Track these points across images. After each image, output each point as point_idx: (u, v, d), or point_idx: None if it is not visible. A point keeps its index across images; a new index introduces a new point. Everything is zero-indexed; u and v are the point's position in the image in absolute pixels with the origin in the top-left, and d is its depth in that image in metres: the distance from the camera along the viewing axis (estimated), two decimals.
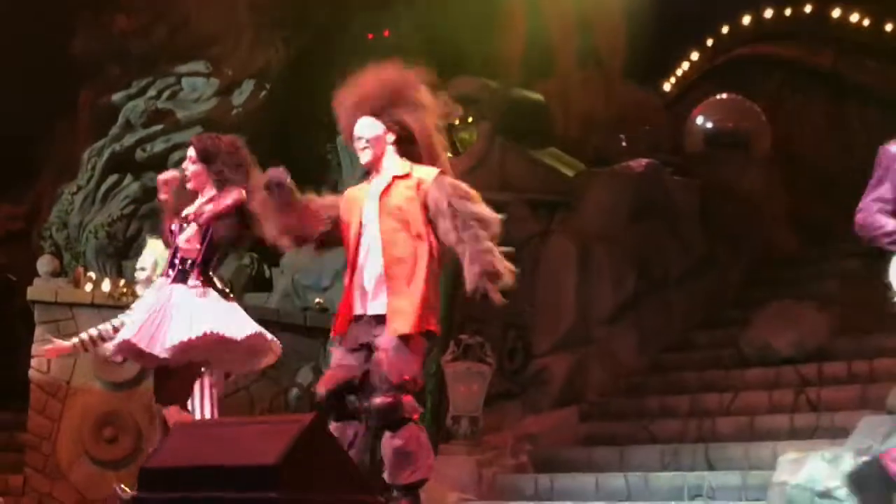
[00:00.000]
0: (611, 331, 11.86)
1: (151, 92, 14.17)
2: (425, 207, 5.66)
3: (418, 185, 5.68)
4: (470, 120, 12.68)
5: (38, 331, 11.94)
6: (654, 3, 14.43)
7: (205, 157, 6.74)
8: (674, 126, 14.94)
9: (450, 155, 12.39)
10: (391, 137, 5.78)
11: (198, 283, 6.57)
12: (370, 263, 5.71)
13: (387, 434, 5.57)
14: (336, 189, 14.75)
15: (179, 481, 4.72)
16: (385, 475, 5.62)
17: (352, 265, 5.79)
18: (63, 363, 11.74)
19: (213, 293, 6.59)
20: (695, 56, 17.06)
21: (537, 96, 13.65)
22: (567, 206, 12.21)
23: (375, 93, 5.78)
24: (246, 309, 6.86)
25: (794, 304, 11.16)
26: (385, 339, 5.58)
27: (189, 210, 6.71)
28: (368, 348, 5.68)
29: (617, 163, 12.85)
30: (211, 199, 6.65)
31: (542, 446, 10.90)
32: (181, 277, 6.61)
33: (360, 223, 5.77)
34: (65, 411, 11.65)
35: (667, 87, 17.02)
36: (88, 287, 12.04)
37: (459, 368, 10.71)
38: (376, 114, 5.76)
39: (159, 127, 13.99)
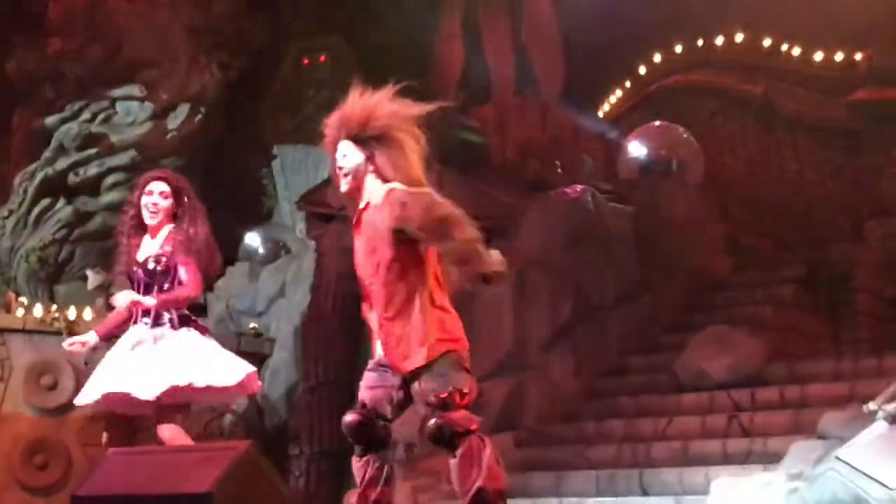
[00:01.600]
0: (548, 356, 11.87)
1: (85, 115, 14.05)
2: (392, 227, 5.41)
3: (383, 199, 5.46)
4: None
5: None
6: (589, 30, 14.55)
7: (177, 194, 6.71)
8: (609, 153, 15.05)
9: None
10: (371, 167, 5.57)
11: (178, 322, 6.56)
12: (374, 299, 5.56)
13: (449, 457, 5.45)
14: (271, 212, 14.73)
15: None
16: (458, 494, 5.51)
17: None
18: None
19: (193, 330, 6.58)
20: (628, 84, 17.21)
21: (475, 122, 13.70)
22: (504, 232, 12.23)
23: (356, 115, 5.62)
24: None
25: (728, 329, 11.25)
26: (417, 387, 5.43)
27: (156, 251, 6.63)
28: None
29: (553, 189, 12.90)
30: (176, 237, 6.61)
31: None
32: (161, 320, 6.55)
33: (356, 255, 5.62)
34: None
35: (601, 113, 17.15)
36: (20, 312, 11.90)
37: None
38: (355, 138, 5.60)
39: (93, 151, 13.88)
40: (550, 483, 10.27)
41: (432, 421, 5.35)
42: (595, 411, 11.51)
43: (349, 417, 5.50)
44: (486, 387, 11.57)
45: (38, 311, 11.88)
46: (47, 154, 13.99)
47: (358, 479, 5.54)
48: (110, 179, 13.78)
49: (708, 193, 14.34)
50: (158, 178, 6.75)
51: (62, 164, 13.88)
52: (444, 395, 5.38)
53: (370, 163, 5.55)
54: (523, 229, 12.28)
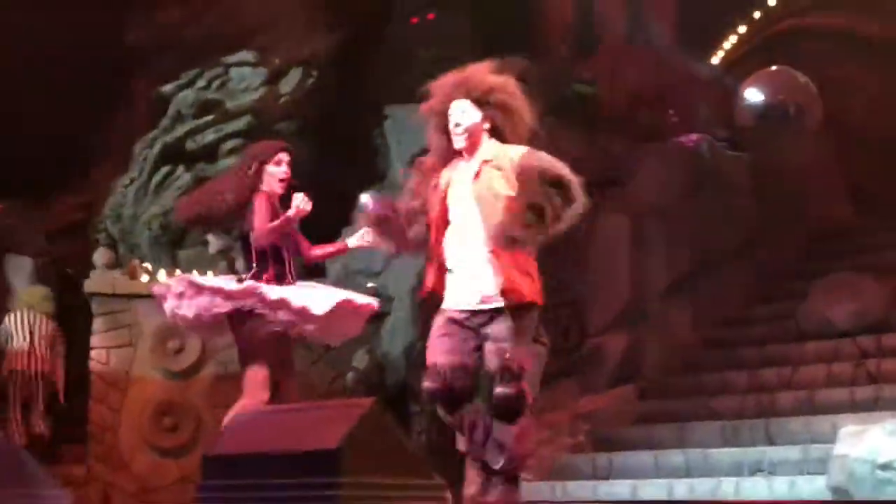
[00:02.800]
0: (666, 307, 11.80)
1: (201, 82, 14.21)
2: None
3: (511, 162, 5.72)
4: None
5: (97, 323, 12.08)
6: None
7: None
8: (723, 100, 14.81)
9: None
10: (487, 125, 5.84)
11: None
12: (466, 247, 5.71)
13: (500, 424, 5.58)
14: (385, 173, 14.83)
15: (241, 468, 4.75)
16: (488, 458, 5.62)
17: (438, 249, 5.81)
18: (123, 354, 11.87)
19: None
20: (743, 28, 16.91)
21: (585, 74, 13.60)
22: (618, 183, 12.15)
23: (476, 80, 5.86)
24: None
25: (852, 275, 11.07)
26: (499, 328, 5.62)
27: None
28: (475, 333, 5.68)
29: (667, 138, 12.77)
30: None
31: (599, 425, 10.88)
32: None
33: (447, 208, 5.81)
34: (125, 401, 11.78)
35: (715, 60, 16.88)
36: (145, 278, 12.15)
37: None
38: (475, 99, 5.82)
39: (209, 117, 14.04)
40: (674, 434, 10.24)
41: (512, 388, 5.48)
42: (717, 362, 11.42)
43: (431, 385, 5.66)
44: (605, 339, 11.58)
45: (162, 276, 12.11)
46: (165, 122, 14.19)
47: (459, 432, 5.68)
48: (227, 145, 13.93)
49: (828, 138, 14.06)
50: (289, 149, 7.11)
51: (180, 131, 14.07)
52: (527, 368, 5.62)
53: (486, 121, 5.80)
54: (638, 179, 12.19)
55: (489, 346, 5.63)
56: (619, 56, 14.85)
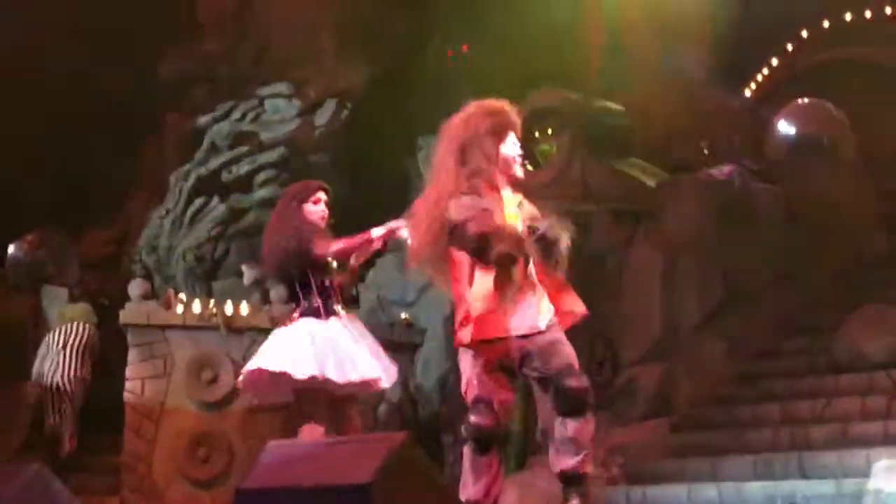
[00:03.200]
0: (699, 340, 11.78)
1: (236, 114, 14.35)
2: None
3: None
4: (550, 132, 12.69)
5: (132, 354, 12.15)
6: (734, 8, 14.34)
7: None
8: (756, 132, 14.80)
9: (530, 167, 12.45)
10: None
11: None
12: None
13: (570, 421, 5.60)
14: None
15: (274, 501, 4.79)
16: (558, 466, 5.66)
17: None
18: (157, 385, 11.93)
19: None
20: (775, 61, 16.90)
21: (617, 106, 13.62)
22: (650, 216, 12.16)
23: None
24: None
25: (886, 307, 11.01)
26: (551, 334, 5.71)
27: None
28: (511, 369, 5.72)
29: (699, 171, 12.77)
30: None
31: (633, 458, 10.85)
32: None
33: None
34: (159, 432, 11.83)
35: (748, 93, 16.88)
36: (180, 309, 12.22)
37: None
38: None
39: (244, 149, 14.16)
40: (707, 468, 10.20)
41: (584, 381, 5.61)
42: (750, 395, 11.38)
43: (484, 421, 5.62)
44: (637, 371, 11.56)
45: (196, 307, 12.18)
46: (200, 154, 14.32)
47: (480, 475, 5.61)
48: (262, 176, 14.05)
49: (862, 170, 14.02)
50: (326, 189, 7.20)
51: (214, 163, 14.19)
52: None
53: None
54: (671, 212, 12.19)
55: (545, 346, 5.65)
56: (652, 89, 14.87)
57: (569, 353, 5.67)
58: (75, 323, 11.98)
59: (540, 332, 5.65)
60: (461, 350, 5.71)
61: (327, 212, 7.08)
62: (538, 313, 5.67)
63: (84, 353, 11.86)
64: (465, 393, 5.69)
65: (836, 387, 10.77)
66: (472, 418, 5.61)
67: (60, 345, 11.82)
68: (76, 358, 11.79)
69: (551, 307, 5.75)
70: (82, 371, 11.81)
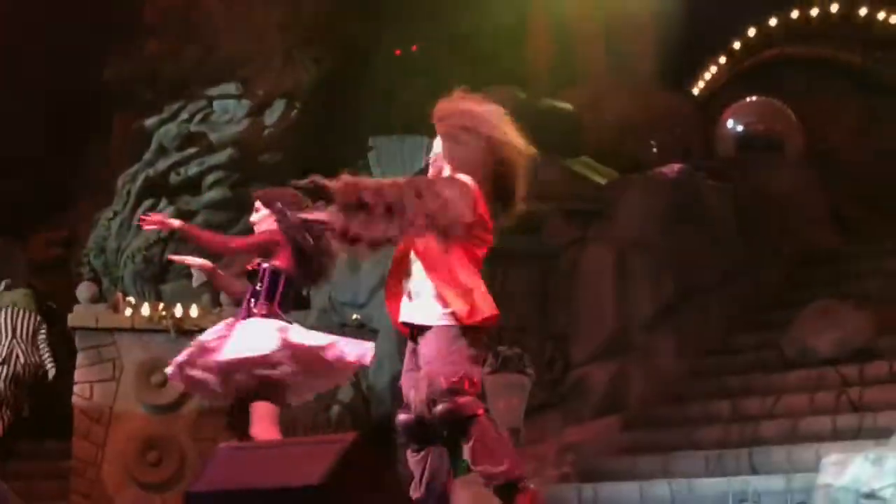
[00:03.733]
0: (650, 338, 11.80)
1: (183, 115, 14.24)
2: None
3: None
4: None
5: (80, 357, 12.04)
6: (681, 7, 14.41)
7: (268, 205, 6.96)
8: (705, 130, 14.90)
9: None
10: (446, 160, 5.71)
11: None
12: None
13: (463, 444, 5.44)
14: None
15: None
16: (483, 482, 5.47)
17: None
18: (106, 389, 11.83)
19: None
20: (722, 59, 17.02)
21: (567, 105, 13.65)
22: (602, 214, 12.18)
23: (436, 117, 5.79)
24: None
25: (835, 303, 11.09)
26: (425, 346, 5.47)
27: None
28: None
29: (650, 169, 12.81)
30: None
31: (584, 456, 10.87)
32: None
33: None
34: (109, 436, 11.74)
35: (696, 91, 16.98)
36: (128, 312, 12.13)
37: (499, 381, 10.70)
38: (441, 135, 5.76)
39: (193, 150, 14.06)
40: (658, 465, 10.23)
41: (446, 404, 5.33)
42: (701, 391, 11.43)
43: (403, 417, 5.59)
44: (589, 370, 11.58)
45: (145, 310, 12.09)
46: (148, 155, 14.21)
47: (417, 474, 5.55)
48: (211, 178, 13.95)
49: (809, 167, 14.14)
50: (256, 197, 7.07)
51: (163, 164, 14.08)
52: (456, 379, 5.36)
53: (446, 156, 5.70)
54: (621, 210, 12.21)
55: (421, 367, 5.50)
56: (602, 87, 14.93)
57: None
58: (23, 314, 11.85)
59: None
60: (455, 336, 5.48)
61: (253, 219, 7.04)
62: None
63: (33, 341, 11.76)
64: (463, 383, 5.43)
65: (785, 383, 10.84)
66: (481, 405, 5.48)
67: (9, 329, 11.70)
68: (27, 344, 11.70)
69: None
70: (34, 357, 11.71)
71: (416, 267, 5.55)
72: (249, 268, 6.91)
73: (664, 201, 12.33)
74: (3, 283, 12.33)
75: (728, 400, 10.92)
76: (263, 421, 6.60)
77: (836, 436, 9.49)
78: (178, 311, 12.02)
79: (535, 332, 12.11)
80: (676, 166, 12.70)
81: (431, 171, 5.80)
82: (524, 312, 12.62)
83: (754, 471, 9.50)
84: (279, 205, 6.83)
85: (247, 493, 4.67)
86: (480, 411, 5.42)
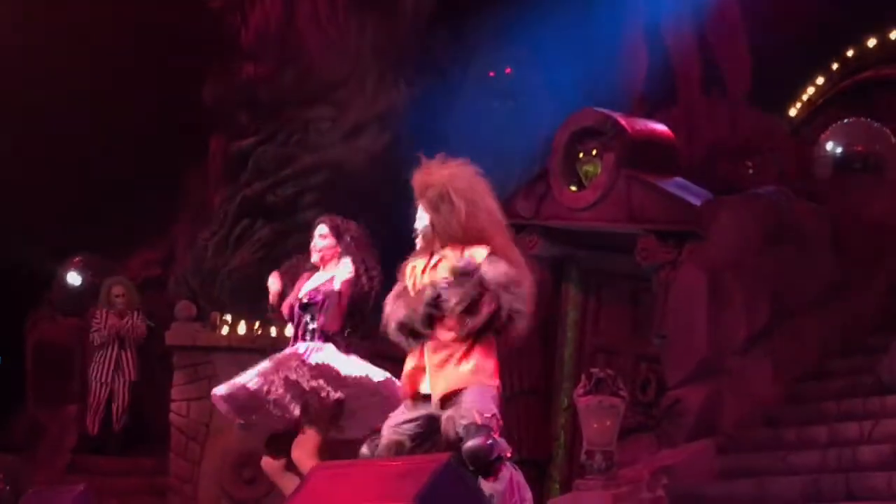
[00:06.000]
0: (745, 361, 11.67)
1: (280, 137, 14.42)
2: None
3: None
4: (594, 152, 12.63)
5: (177, 375, 12.23)
6: (778, 28, 14.27)
7: (336, 234, 7.24)
8: (801, 152, 14.71)
9: (574, 189, 12.41)
10: (434, 228, 6.05)
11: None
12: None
13: (482, 480, 5.56)
14: None
15: None
16: None
17: None
18: (202, 406, 11.99)
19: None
20: (820, 80, 16.81)
21: (661, 126, 13.57)
22: (696, 236, 12.09)
23: (416, 182, 6.19)
24: None
25: None
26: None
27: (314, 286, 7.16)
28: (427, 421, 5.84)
29: (744, 190, 12.69)
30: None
31: (678, 480, 10.78)
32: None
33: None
34: (204, 453, 11.88)
35: (792, 112, 16.79)
36: (225, 330, 12.29)
37: (592, 402, 10.68)
38: (429, 202, 6.08)
39: (288, 171, 14.22)
40: (753, 490, 10.12)
41: (481, 438, 5.55)
42: (796, 416, 11.28)
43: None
44: (683, 393, 11.48)
45: (242, 329, 12.25)
46: (245, 176, 14.40)
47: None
48: (307, 198, 14.10)
49: None
50: (321, 222, 7.36)
51: (259, 185, 14.26)
52: (489, 415, 5.68)
53: (433, 225, 6.01)
54: (715, 232, 12.10)
55: (449, 412, 5.73)
56: (695, 108, 14.83)
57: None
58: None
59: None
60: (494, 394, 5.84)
61: (317, 243, 7.25)
62: None
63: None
64: (494, 424, 5.73)
65: (883, 407, 10.66)
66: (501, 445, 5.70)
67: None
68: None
69: None
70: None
71: None
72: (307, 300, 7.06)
73: (759, 223, 12.18)
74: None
75: (824, 425, 10.77)
76: (308, 444, 6.73)
77: None
78: (273, 330, 12.15)
79: (628, 354, 12.06)
80: (772, 188, 12.56)
81: (419, 243, 6.05)
82: (617, 334, 12.58)
83: (852, 497, 9.36)
84: (349, 238, 7.07)
85: None
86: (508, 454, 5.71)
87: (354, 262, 7.07)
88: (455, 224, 5.92)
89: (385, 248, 7.17)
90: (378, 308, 6.49)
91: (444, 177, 6.03)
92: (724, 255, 11.86)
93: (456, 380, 5.73)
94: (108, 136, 14.05)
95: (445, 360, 5.75)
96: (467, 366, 5.75)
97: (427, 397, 5.81)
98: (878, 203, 13.24)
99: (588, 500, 10.47)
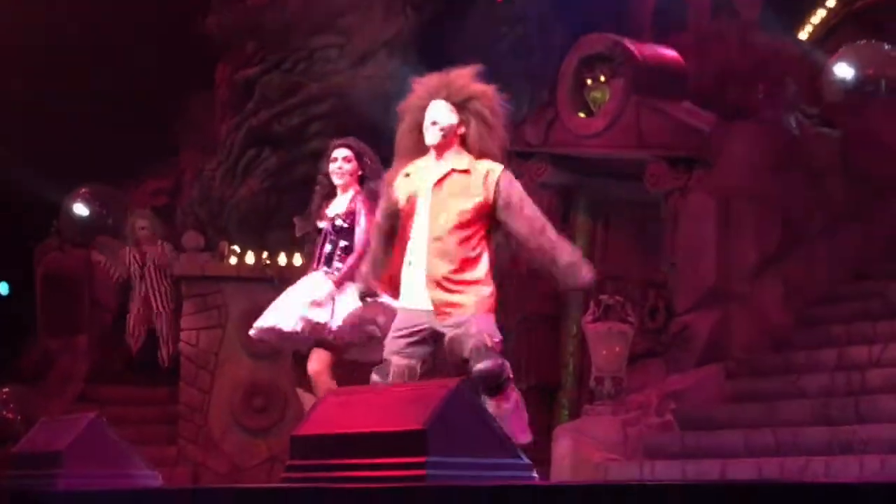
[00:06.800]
0: (754, 286, 11.66)
1: (286, 66, 14.31)
2: (488, 200, 5.82)
3: (486, 176, 5.85)
4: (602, 79, 12.53)
5: (186, 305, 12.25)
6: None
7: (358, 157, 7.29)
8: (812, 75, 14.57)
9: (582, 115, 12.31)
10: (462, 131, 5.91)
11: None
12: (421, 253, 5.86)
13: (490, 400, 5.66)
14: None
15: (329, 448, 4.80)
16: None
17: (402, 248, 5.99)
18: (211, 336, 12.03)
19: None
20: (831, 2, 16.61)
21: (671, 51, 13.44)
22: (705, 162, 12.02)
23: (458, 84, 5.97)
24: None
25: None
26: (465, 318, 5.75)
27: (342, 210, 7.22)
28: (431, 336, 5.87)
29: (754, 115, 12.59)
30: (357, 198, 7.22)
31: (687, 404, 10.82)
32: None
33: (414, 211, 5.95)
34: (215, 382, 11.94)
35: (803, 35, 16.60)
36: (233, 260, 12.29)
37: (601, 329, 10.69)
38: (455, 103, 5.90)
39: (295, 100, 14.13)
40: (763, 413, 10.15)
41: (492, 361, 5.66)
42: (806, 340, 11.29)
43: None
44: (692, 318, 11.49)
45: (250, 258, 12.25)
46: (251, 106, 14.31)
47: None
48: (313, 128, 14.02)
49: None
50: (340, 146, 7.32)
51: (265, 114, 14.18)
52: (498, 340, 5.79)
53: (461, 127, 5.89)
54: (725, 157, 12.03)
55: (455, 332, 5.76)
56: (705, 33, 14.66)
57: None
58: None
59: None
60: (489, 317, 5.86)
61: (343, 166, 7.23)
62: None
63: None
64: (499, 347, 5.82)
65: (893, 331, 10.66)
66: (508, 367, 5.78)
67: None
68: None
69: None
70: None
71: None
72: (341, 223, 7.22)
73: (769, 148, 12.12)
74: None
75: (834, 348, 10.78)
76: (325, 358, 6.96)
77: None
78: (282, 259, 12.16)
79: (636, 281, 12.04)
80: (782, 113, 12.46)
81: (441, 139, 5.89)
82: (625, 261, 12.56)
83: (861, 419, 9.39)
84: (367, 160, 7.10)
85: (351, 438, 4.72)
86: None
87: (377, 182, 7.08)
88: (486, 134, 5.88)
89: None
90: None
91: (480, 89, 5.98)
92: (733, 180, 11.81)
93: (459, 300, 5.75)
94: (113, 66, 13.97)
95: (447, 278, 5.77)
96: (470, 288, 5.78)
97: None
98: (890, 128, 13.14)
99: (597, 425, 10.51)
